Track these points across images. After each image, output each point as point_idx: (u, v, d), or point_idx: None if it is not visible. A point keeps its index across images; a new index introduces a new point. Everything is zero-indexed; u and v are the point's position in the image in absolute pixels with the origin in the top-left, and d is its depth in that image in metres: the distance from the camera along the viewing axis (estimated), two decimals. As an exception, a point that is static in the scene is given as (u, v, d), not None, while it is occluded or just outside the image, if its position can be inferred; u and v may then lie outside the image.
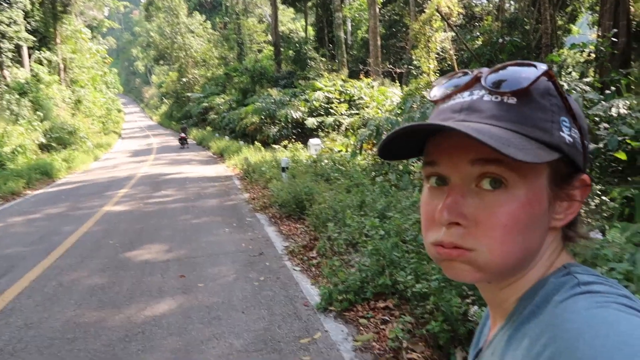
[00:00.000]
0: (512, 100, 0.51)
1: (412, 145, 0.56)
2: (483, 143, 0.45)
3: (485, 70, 0.55)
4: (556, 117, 0.51)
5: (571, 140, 0.52)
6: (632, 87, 6.82)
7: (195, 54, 40.77)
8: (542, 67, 0.51)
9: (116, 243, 6.38)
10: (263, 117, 17.47)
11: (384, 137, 0.55)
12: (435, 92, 0.58)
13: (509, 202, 0.50)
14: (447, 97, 0.56)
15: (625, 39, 8.31)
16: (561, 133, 0.51)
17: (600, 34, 8.67)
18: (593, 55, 7.83)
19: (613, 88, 6.39)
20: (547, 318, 0.46)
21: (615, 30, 8.05)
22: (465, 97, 0.54)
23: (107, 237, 6.73)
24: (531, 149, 0.48)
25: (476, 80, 0.54)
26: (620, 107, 5.34)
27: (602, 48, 7.42)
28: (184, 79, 40.93)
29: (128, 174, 14.94)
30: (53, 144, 19.38)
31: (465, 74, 0.56)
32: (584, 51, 7.75)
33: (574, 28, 16.36)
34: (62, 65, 26.64)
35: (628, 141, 5.00)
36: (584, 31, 16.44)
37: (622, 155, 4.89)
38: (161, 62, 50.45)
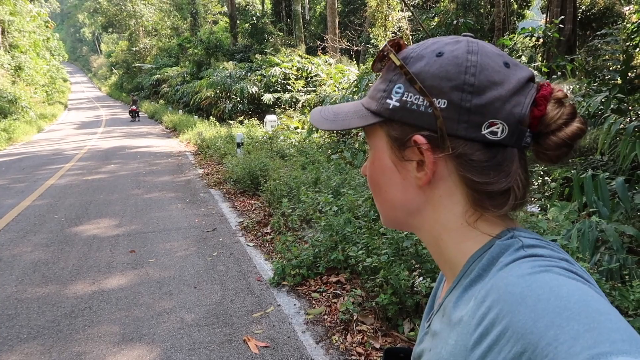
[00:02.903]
0: (379, 76, 0.59)
1: None
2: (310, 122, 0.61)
3: None
4: (390, 85, 0.56)
5: (397, 104, 0.55)
6: (577, 72, 7.13)
7: (146, 22, 39.03)
8: (386, 44, 0.57)
9: (62, 217, 6.14)
10: (218, 91, 17.07)
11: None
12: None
13: (368, 161, 0.62)
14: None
15: (571, 26, 8.64)
16: (387, 100, 0.56)
17: (548, 20, 8.97)
18: (541, 40, 8.10)
19: (559, 73, 6.67)
20: (492, 280, 0.48)
21: (562, 17, 8.35)
22: None
23: (51, 212, 6.45)
24: (348, 119, 0.60)
25: None
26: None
27: (549, 34, 7.69)
28: (134, 49, 39.19)
29: (75, 147, 14.29)
30: (-9, 113, 18.21)
31: None
32: (533, 36, 8.00)
33: (528, 13, 16.80)
34: None
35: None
36: (539, 17, 16.93)
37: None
38: (110, 29, 48.06)
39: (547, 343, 0.37)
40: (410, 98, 0.54)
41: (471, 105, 0.51)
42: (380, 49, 0.57)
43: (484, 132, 0.51)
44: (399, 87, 0.55)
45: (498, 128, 0.51)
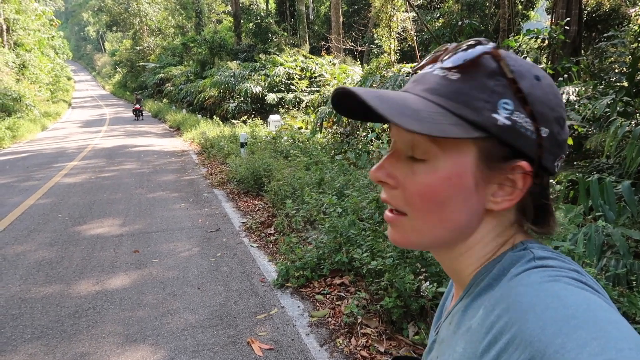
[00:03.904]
0: (455, 76, 0.52)
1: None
2: (370, 106, 0.47)
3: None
4: (495, 97, 0.50)
5: (508, 122, 0.49)
6: (582, 74, 7.09)
7: (150, 22, 39.11)
8: (488, 46, 0.51)
9: (66, 216, 6.15)
10: (222, 90, 17.09)
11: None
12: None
13: (429, 172, 0.53)
14: (421, 67, 0.58)
15: (576, 28, 8.60)
16: (493, 114, 0.49)
17: (553, 22, 8.93)
18: (547, 42, 8.07)
19: (565, 75, 6.64)
20: (502, 290, 0.48)
21: (568, 18, 8.32)
22: (428, 69, 0.56)
23: (55, 210, 6.46)
24: (440, 123, 0.48)
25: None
26: (570, 93, 5.57)
27: (554, 35, 7.66)
28: (138, 47, 39.28)
29: (79, 145, 14.32)
30: (-5, 111, 18.27)
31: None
32: (538, 38, 7.97)
33: (532, 14, 16.74)
34: (4, 27, 24.95)
35: (575, 127, 5.24)
36: (544, 18, 16.86)
37: (569, 141, 5.12)
38: (114, 28, 48.20)
39: (554, 350, 0.38)
40: (520, 119, 0.50)
41: (561, 139, 0.53)
42: (482, 51, 0.51)
43: (556, 164, 0.54)
44: (506, 103, 0.50)
45: (561, 161, 0.54)
